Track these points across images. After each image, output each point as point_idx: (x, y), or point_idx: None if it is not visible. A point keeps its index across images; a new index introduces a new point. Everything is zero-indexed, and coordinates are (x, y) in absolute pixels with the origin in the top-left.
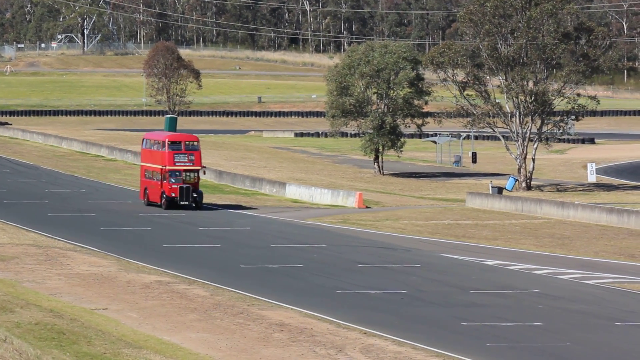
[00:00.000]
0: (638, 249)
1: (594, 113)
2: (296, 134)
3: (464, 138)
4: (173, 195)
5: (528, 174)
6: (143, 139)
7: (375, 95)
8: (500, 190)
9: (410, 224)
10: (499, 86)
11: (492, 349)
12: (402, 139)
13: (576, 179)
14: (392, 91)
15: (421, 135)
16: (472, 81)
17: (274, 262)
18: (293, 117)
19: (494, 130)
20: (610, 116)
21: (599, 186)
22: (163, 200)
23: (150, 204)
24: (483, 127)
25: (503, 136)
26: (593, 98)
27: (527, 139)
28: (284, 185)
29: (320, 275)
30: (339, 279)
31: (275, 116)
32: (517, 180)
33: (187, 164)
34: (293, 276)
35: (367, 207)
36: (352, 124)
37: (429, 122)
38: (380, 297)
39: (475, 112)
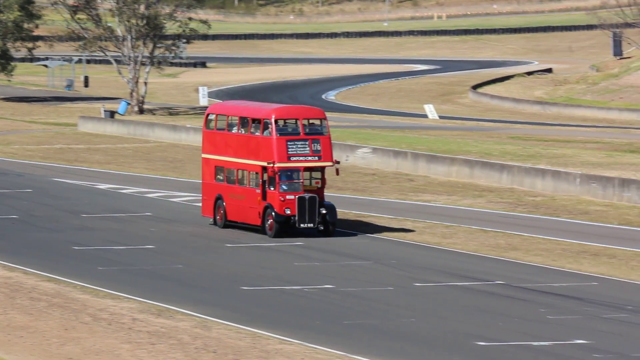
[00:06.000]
0: None
1: (205, 37)
2: None
3: (76, 62)
4: (288, 212)
5: (140, 98)
6: (207, 115)
7: None
8: (112, 114)
9: (21, 148)
10: (110, 10)
11: (104, 272)
12: (12, 63)
13: (188, 103)
14: (1, 14)
15: (32, 59)
16: (83, 4)
17: None
18: None
19: (105, 54)
20: (222, 40)
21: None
22: (269, 221)
23: (229, 224)
24: (95, 51)
25: (115, 60)
26: (204, 22)
27: (139, 63)
28: None
29: None
30: None
31: None
32: (129, 104)
33: (311, 159)
34: None
35: None
36: None
37: (40, 46)
38: None
39: (86, 36)
